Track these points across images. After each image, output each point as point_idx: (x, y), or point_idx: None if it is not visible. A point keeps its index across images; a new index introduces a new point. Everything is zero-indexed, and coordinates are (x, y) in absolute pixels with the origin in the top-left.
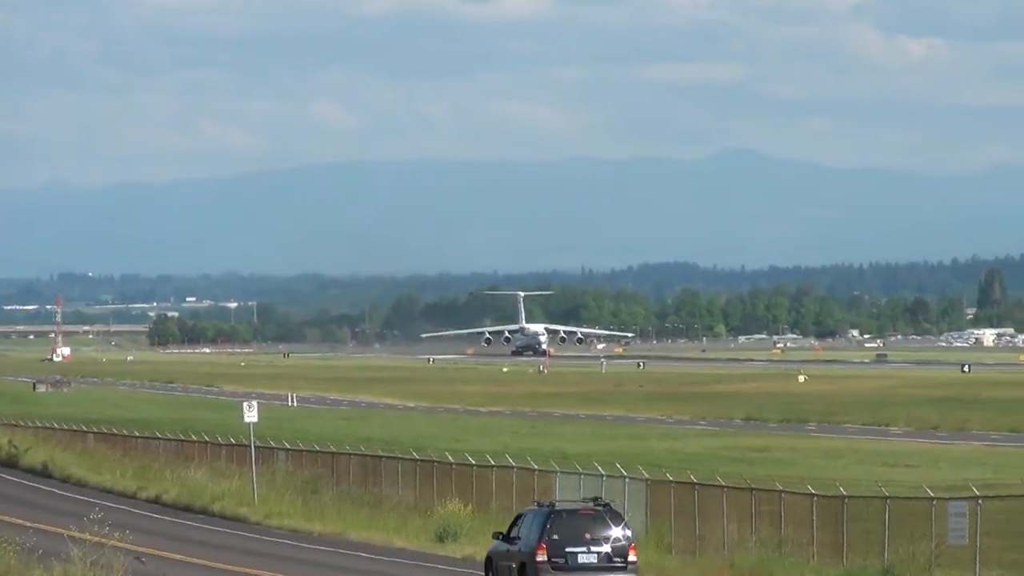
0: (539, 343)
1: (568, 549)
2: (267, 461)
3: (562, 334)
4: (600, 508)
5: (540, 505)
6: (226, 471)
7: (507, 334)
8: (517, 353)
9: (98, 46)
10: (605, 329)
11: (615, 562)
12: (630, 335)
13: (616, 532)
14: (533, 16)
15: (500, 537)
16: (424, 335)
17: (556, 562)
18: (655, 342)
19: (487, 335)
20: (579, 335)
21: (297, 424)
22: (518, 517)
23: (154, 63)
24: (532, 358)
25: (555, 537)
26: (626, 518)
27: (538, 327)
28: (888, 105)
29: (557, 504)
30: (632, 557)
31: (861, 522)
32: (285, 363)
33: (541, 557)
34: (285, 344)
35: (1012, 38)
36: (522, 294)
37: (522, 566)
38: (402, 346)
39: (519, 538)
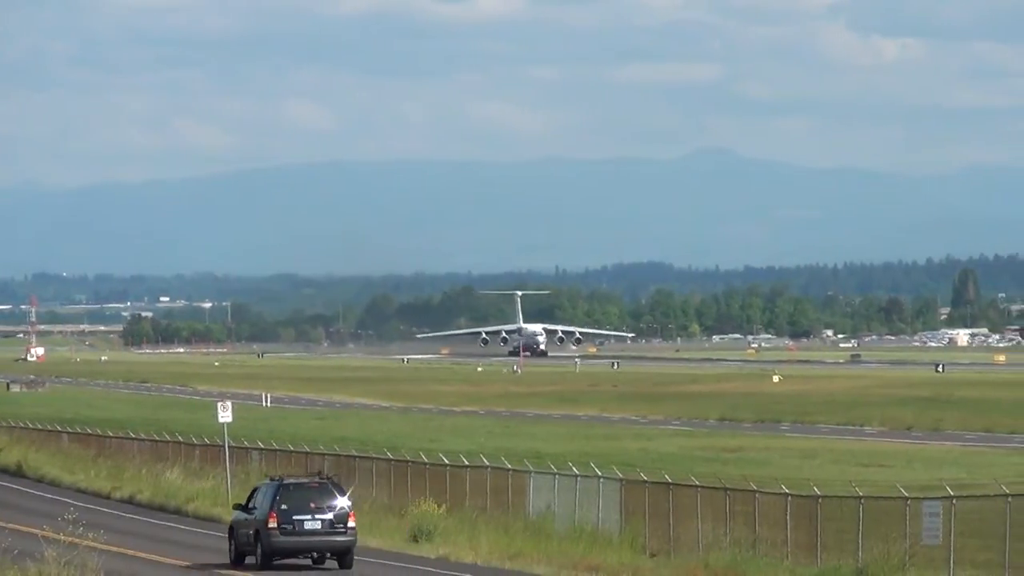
0: (537, 343)
1: (295, 517)
2: (241, 461)
3: (560, 334)
4: (324, 481)
5: (272, 480)
6: (200, 471)
7: (504, 334)
8: (515, 354)
9: (73, 46)
10: (603, 329)
11: (336, 528)
12: (631, 335)
13: (339, 502)
14: (508, 16)
15: (240, 508)
16: (419, 335)
17: (285, 528)
18: (658, 342)
19: (484, 335)
20: (578, 335)
21: (271, 424)
22: (254, 490)
23: (129, 63)
24: (526, 358)
25: (284, 507)
26: (348, 491)
27: (536, 327)
28: (863, 105)
29: (286, 478)
30: (351, 524)
31: (835, 522)
32: (259, 363)
33: (272, 524)
34: (259, 344)
35: (986, 38)
36: (519, 293)
37: (256, 532)
38: (376, 346)
39: (255, 508)
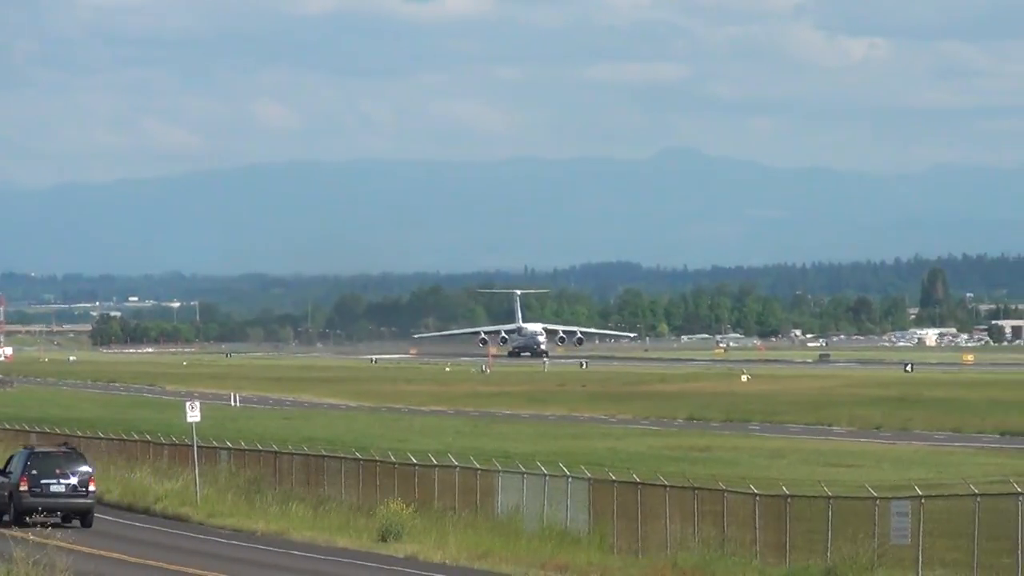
0: (537, 343)
1: (43, 481)
2: (209, 461)
3: (561, 334)
4: (70, 451)
5: (25, 448)
6: (168, 471)
7: (503, 334)
8: (514, 354)
9: (39, 46)
10: (605, 329)
11: (79, 491)
12: (632, 335)
13: (82, 468)
14: (474, 16)
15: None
16: (416, 335)
17: (35, 490)
18: (663, 341)
19: (482, 335)
20: (579, 335)
21: (240, 424)
22: (11, 458)
23: (96, 63)
24: (525, 359)
25: (34, 472)
26: (88, 459)
27: (536, 327)
28: (830, 105)
29: (36, 448)
30: (92, 488)
31: (804, 522)
32: (227, 363)
33: (23, 487)
34: (228, 344)
35: (953, 38)
36: (519, 292)
37: (10, 494)
38: (345, 346)
39: (11, 472)
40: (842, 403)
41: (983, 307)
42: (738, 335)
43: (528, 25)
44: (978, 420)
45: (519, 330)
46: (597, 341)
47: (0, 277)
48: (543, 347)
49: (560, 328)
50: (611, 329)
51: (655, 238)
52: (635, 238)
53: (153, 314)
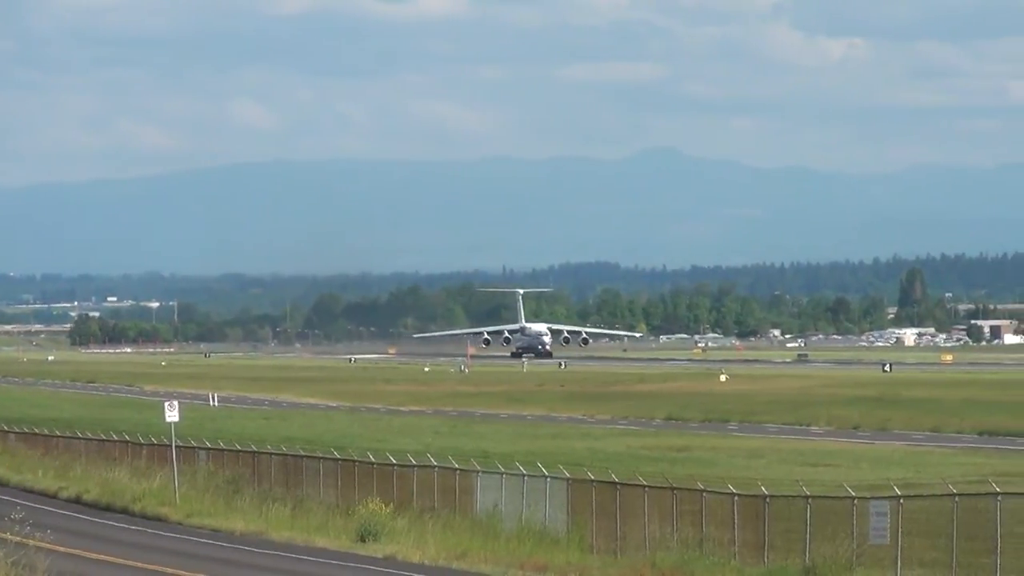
0: (542, 344)
1: None
2: (188, 461)
3: (565, 334)
4: None
5: None
6: (147, 471)
7: (507, 334)
8: (517, 355)
9: (15, 45)
10: (612, 328)
11: None
12: (638, 335)
13: None
14: (451, 16)
15: None
16: (416, 335)
17: None
18: (665, 339)
19: (485, 335)
20: (584, 335)
21: (218, 424)
22: None
23: (72, 63)
24: (529, 359)
25: None
26: None
27: (541, 327)
28: (809, 105)
29: None
30: None
31: (782, 521)
32: (206, 363)
33: None
34: (206, 344)
35: (931, 38)
36: (521, 291)
37: None
38: (323, 345)
39: None
40: (820, 403)
41: (962, 307)
42: (717, 335)
43: (506, 25)
44: (957, 420)
45: (522, 330)
46: (607, 340)
47: None
48: (548, 347)
49: (564, 328)
50: (617, 329)
51: (634, 238)
52: (614, 238)
53: (132, 314)
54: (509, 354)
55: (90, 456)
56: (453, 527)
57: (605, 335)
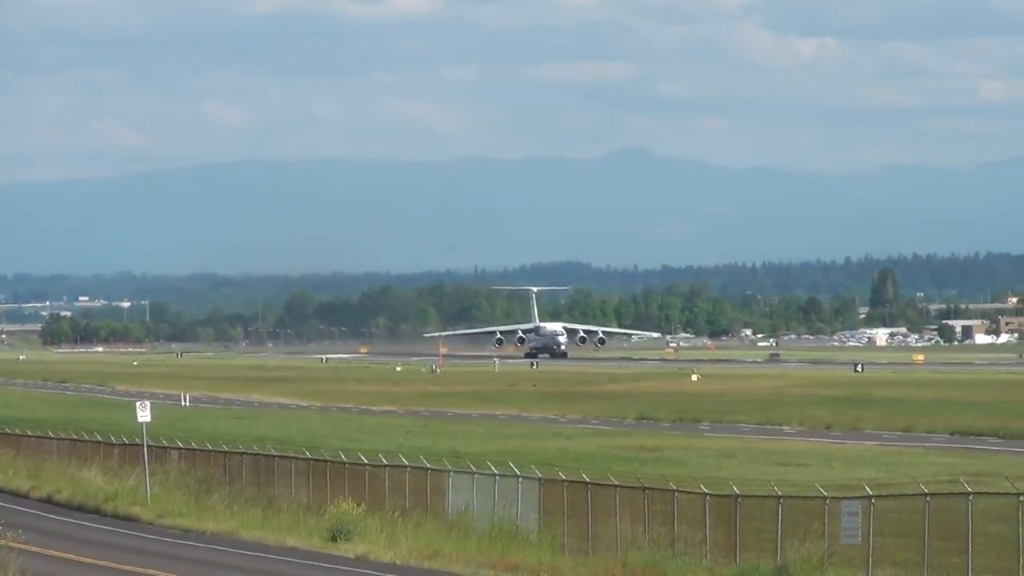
0: (558, 344)
1: None
2: (160, 461)
3: (582, 334)
4: None
5: None
6: (119, 471)
7: (521, 334)
8: (531, 355)
9: None
10: (625, 328)
11: None
12: (655, 335)
13: None
14: (424, 16)
15: None
16: (427, 335)
17: None
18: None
19: (499, 335)
20: (600, 335)
21: (190, 424)
22: None
23: (45, 62)
24: (543, 360)
25: None
26: None
27: (556, 326)
28: (780, 104)
29: None
30: None
31: (754, 521)
32: (178, 362)
33: None
34: (178, 343)
35: (902, 38)
36: (535, 289)
37: None
38: (295, 345)
39: None
40: (792, 403)
41: (933, 307)
42: (688, 335)
43: (478, 25)
44: (928, 420)
45: (537, 330)
46: (628, 340)
47: None
48: (563, 348)
49: (580, 328)
50: (634, 328)
51: (605, 238)
52: (585, 238)
53: (103, 314)
54: (523, 355)
55: (62, 456)
56: (425, 527)
57: (622, 335)
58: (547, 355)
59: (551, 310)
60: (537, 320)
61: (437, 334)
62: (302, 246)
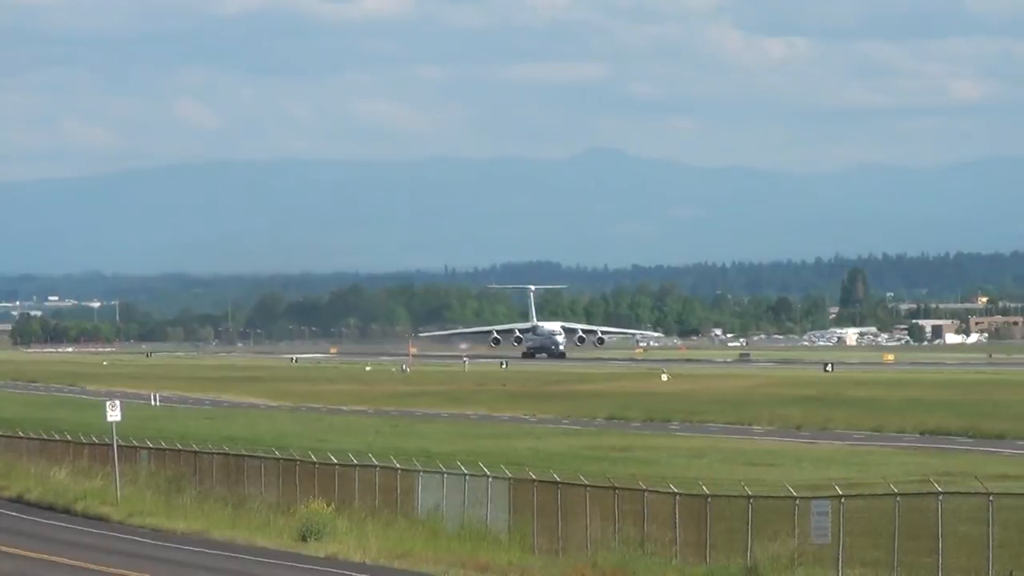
0: (556, 344)
1: None
2: (130, 460)
3: (580, 334)
4: None
5: None
6: (89, 470)
7: (518, 333)
8: (529, 355)
9: None
10: (621, 328)
11: None
12: (656, 334)
13: None
14: (394, 16)
15: None
16: (422, 334)
17: None
18: (675, 340)
19: (495, 334)
20: (599, 334)
21: (160, 423)
22: None
23: (14, 62)
24: (541, 360)
25: None
26: None
27: (554, 326)
28: (750, 104)
29: None
30: None
31: (724, 521)
32: (148, 362)
33: None
34: (148, 343)
35: (872, 37)
36: (532, 288)
37: None
38: (265, 345)
39: None
40: (762, 403)
41: (903, 306)
42: (659, 335)
43: (447, 25)
44: (898, 419)
45: (534, 329)
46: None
47: None
48: (562, 347)
49: (579, 327)
50: (635, 329)
51: (575, 237)
52: (555, 237)
53: (73, 314)
54: (520, 355)
55: (32, 456)
56: (395, 527)
57: (624, 334)
58: (545, 355)
59: (521, 310)
60: (535, 319)
61: (433, 334)
62: (272, 246)
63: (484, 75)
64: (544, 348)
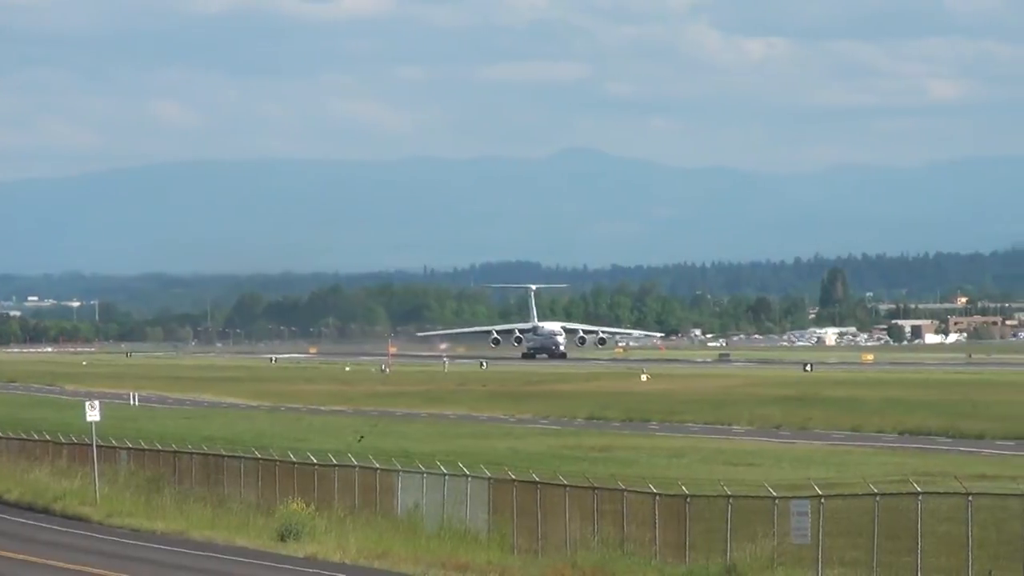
0: (556, 344)
1: None
2: (109, 460)
3: (581, 334)
4: None
5: None
6: (68, 470)
7: (518, 333)
8: (529, 356)
9: None
10: (623, 327)
11: None
12: (659, 335)
13: None
14: (373, 15)
15: None
16: (420, 334)
17: None
18: (676, 338)
19: (495, 334)
20: (601, 335)
21: (139, 423)
22: None
23: None
24: (542, 361)
25: None
26: None
27: (555, 326)
28: (729, 104)
29: None
30: None
31: (704, 521)
32: (127, 362)
33: None
34: (127, 343)
35: (850, 37)
36: (533, 287)
37: None
38: (244, 345)
39: None
40: (742, 402)
41: (882, 306)
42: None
43: (426, 24)
44: (878, 419)
45: (535, 329)
46: (630, 341)
47: None
48: (562, 348)
49: (580, 328)
50: (637, 330)
51: (555, 237)
52: (535, 237)
53: (53, 314)
54: (520, 355)
55: (11, 456)
56: (374, 526)
57: (625, 335)
58: (545, 356)
59: (501, 310)
60: (536, 319)
61: (432, 334)
62: (252, 246)
63: (464, 75)
64: (545, 348)
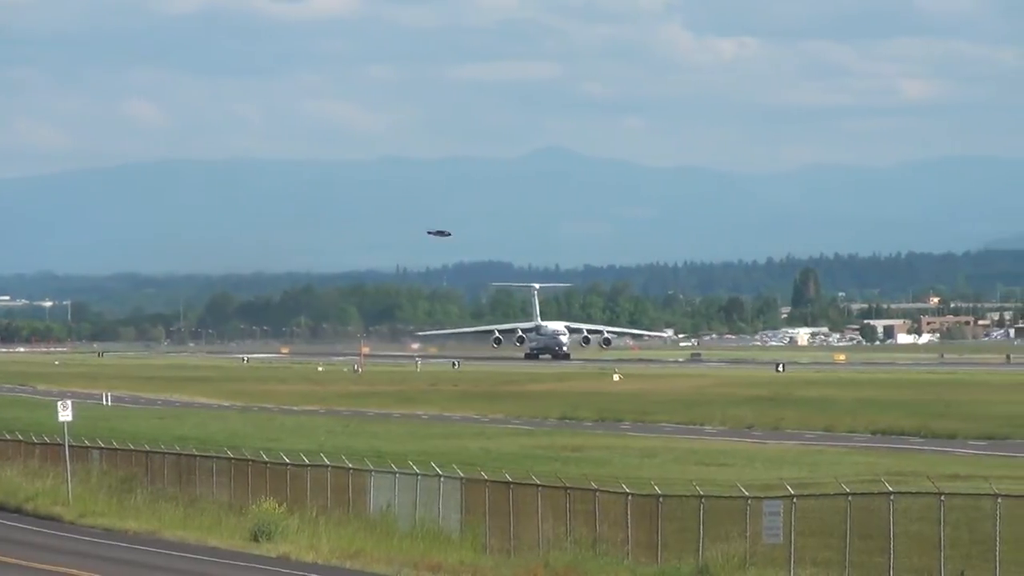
0: (560, 344)
1: None
2: (81, 460)
3: (585, 333)
4: None
5: None
6: (40, 470)
7: (520, 333)
8: (532, 356)
9: None
10: (624, 327)
11: None
12: (664, 334)
13: None
14: (344, 15)
15: None
16: (419, 333)
17: None
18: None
19: (496, 334)
20: (605, 335)
21: (112, 423)
22: None
23: None
24: (545, 362)
25: None
26: None
27: (558, 325)
28: (701, 104)
29: None
30: None
31: (676, 521)
32: (99, 362)
33: None
34: (100, 343)
35: (823, 37)
36: (536, 286)
37: None
38: (216, 345)
39: None
40: (714, 402)
41: (855, 306)
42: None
43: (397, 24)
44: (850, 419)
45: (538, 329)
46: (634, 341)
47: None
48: (566, 348)
49: (584, 327)
50: (643, 328)
51: (527, 237)
52: (507, 237)
53: (25, 313)
54: (523, 355)
55: None
56: (347, 527)
57: (630, 334)
58: (548, 356)
59: (473, 310)
60: (539, 319)
61: (431, 333)
62: (223, 246)
63: (435, 75)
64: (548, 349)
